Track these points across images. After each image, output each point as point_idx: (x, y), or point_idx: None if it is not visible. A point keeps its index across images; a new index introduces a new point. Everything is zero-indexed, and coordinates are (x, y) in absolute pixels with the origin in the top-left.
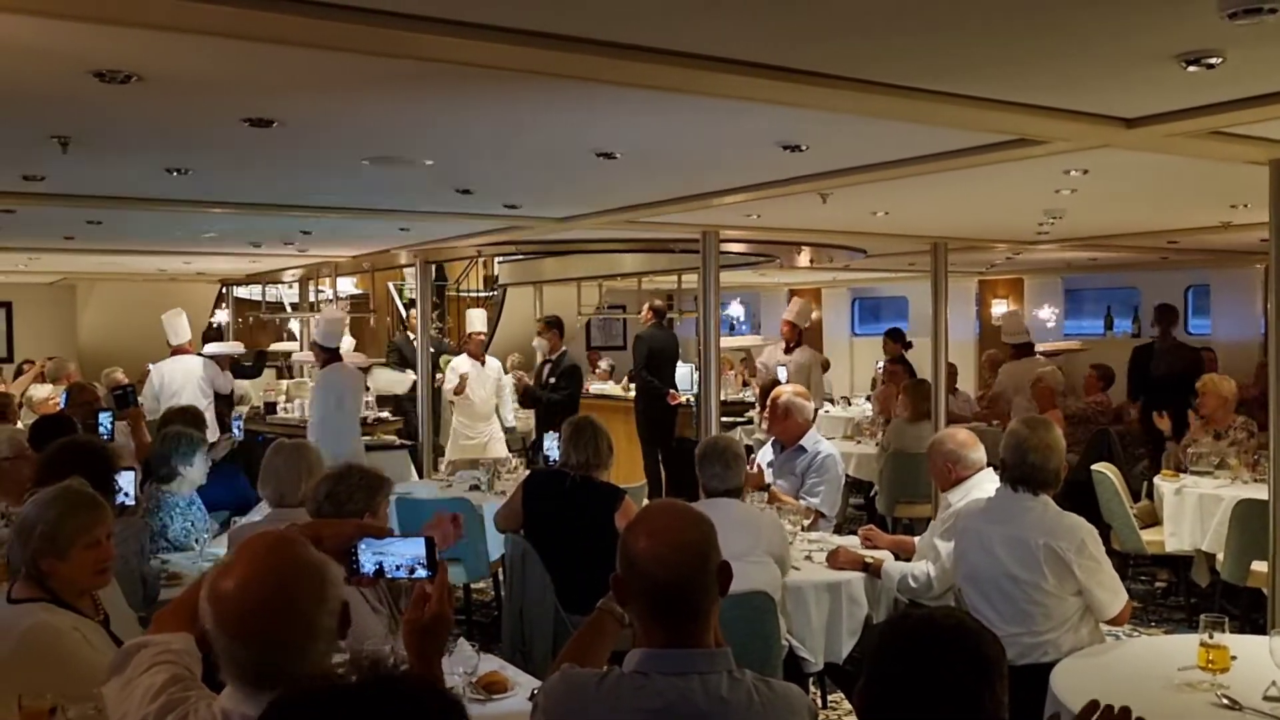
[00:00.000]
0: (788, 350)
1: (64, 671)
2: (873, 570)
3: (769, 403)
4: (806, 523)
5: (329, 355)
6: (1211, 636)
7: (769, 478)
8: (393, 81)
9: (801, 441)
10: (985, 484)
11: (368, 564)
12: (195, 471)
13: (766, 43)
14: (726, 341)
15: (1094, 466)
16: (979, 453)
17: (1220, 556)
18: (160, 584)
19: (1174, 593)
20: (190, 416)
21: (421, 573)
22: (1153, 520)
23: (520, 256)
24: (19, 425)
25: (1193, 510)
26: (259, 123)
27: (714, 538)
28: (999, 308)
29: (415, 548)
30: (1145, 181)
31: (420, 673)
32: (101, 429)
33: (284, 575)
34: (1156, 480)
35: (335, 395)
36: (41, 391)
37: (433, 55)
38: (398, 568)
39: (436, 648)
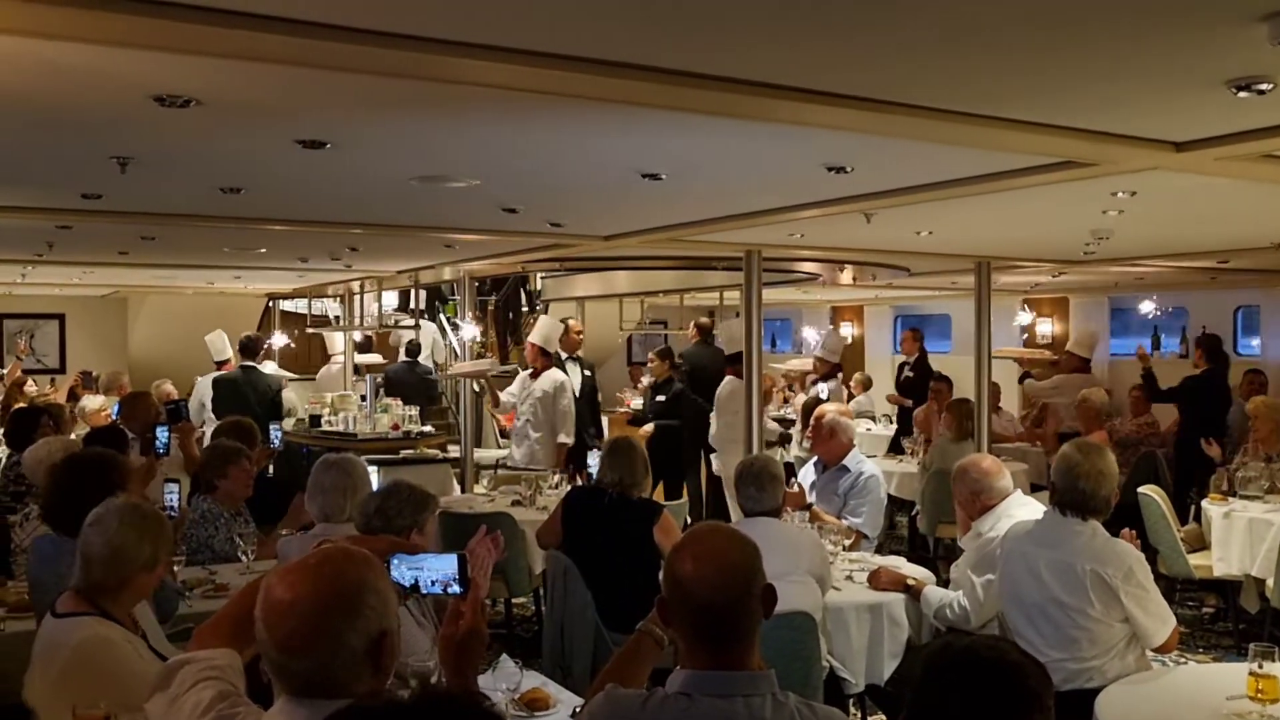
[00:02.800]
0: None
1: (117, 682)
2: (914, 592)
3: (812, 422)
4: (848, 543)
5: (218, 365)
6: (1261, 666)
7: (811, 497)
8: (442, 105)
9: (844, 461)
10: (1014, 509)
11: (401, 580)
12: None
13: (814, 67)
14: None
15: (1140, 489)
16: (1004, 480)
17: (1270, 582)
18: (179, 601)
19: (1222, 618)
20: (240, 429)
21: (455, 589)
22: (1200, 544)
23: (563, 272)
24: (72, 436)
25: (1242, 534)
26: (311, 144)
27: (759, 561)
28: (1044, 326)
29: (448, 564)
30: (1194, 203)
31: (459, 687)
32: (158, 443)
33: (320, 586)
34: (1204, 504)
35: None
36: (94, 403)
37: (482, 80)
38: (432, 583)
39: (472, 662)
